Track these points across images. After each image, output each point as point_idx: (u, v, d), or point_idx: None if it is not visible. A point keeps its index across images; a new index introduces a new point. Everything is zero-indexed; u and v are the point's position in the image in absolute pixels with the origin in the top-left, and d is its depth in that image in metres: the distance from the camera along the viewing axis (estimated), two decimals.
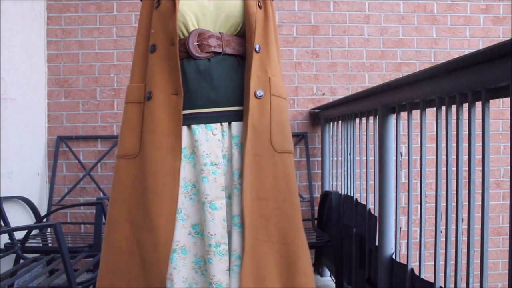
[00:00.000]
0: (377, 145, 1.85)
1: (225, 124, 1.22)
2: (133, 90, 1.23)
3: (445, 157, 1.35)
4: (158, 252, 1.11)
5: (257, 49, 1.21)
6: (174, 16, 1.17)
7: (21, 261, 2.10)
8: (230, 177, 1.20)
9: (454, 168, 1.30)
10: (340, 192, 2.48)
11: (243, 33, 1.25)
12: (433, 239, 1.44)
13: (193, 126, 1.20)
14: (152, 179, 1.13)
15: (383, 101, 1.74)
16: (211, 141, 1.18)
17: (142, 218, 1.14)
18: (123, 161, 1.21)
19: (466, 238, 1.21)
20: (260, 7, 1.24)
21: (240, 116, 1.21)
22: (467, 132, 1.23)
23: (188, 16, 1.21)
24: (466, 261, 1.21)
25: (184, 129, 1.19)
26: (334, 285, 2.46)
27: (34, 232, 2.58)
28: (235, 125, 1.21)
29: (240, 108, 1.22)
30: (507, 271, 1.04)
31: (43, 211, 2.79)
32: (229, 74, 1.22)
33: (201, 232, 1.19)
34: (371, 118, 2.00)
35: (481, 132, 1.15)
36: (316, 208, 2.85)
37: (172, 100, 1.16)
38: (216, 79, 1.20)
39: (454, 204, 1.30)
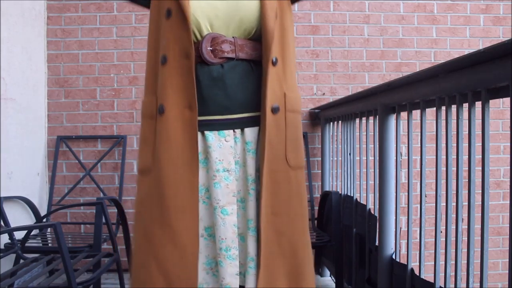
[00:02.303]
0: (377, 145, 1.85)
1: (238, 131, 1.22)
2: (146, 104, 1.24)
3: (445, 157, 1.35)
4: (186, 267, 1.14)
5: (274, 63, 1.19)
6: (188, 27, 1.14)
7: (21, 261, 2.10)
8: (244, 182, 1.22)
9: (454, 168, 1.30)
10: (340, 192, 2.48)
11: (257, 37, 1.22)
12: (433, 239, 1.44)
13: (206, 132, 1.20)
14: (172, 195, 1.15)
15: (383, 101, 1.74)
16: (224, 147, 1.19)
17: (163, 235, 1.15)
18: (140, 177, 1.23)
19: (466, 238, 1.21)
20: (276, 17, 1.21)
21: (253, 122, 1.22)
22: (467, 132, 1.23)
23: (202, 19, 1.18)
24: (466, 261, 1.21)
25: (198, 134, 1.19)
26: (334, 285, 2.46)
27: (34, 232, 2.58)
28: (248, 131, 1.22)
29: (253, 114, 1.22)
30: (507, 271, 1.04)
31: (43, 211, 2.79)
32: (242, 80, 1.21)
33: (213, 234, 1.21)
34: (371, 118, 2.00)
35: (481, 132, 1.15)
36: (316, 208, 2.85)
37: (185, 115, 1.16)
38: (229, 86, 1.19)
39: (454, 204, 1.30)
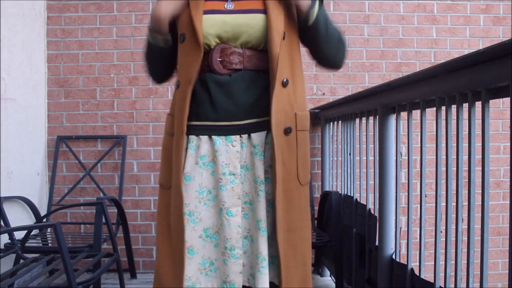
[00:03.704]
0: (377, 145, 1.84)
1: (245, 136, 1.26)
2: (168, 121, 1.33)
3: (445, 157, 1.35)
4: (178, 285, 1.22)
5: (285, 84, 1.24)
6: (198, 53, 1.20)
7: (21, 261, 2.10)
8: (252, 184, 1.26)
9: (454, 168, 1.30)
10: (340, 192, 2.48)
11: (264, 48, 1.26)
12: (433, 239, 1.43)
13: (214, 137, 1.25)
14: (173, 215, 1.25)
15: (383, 101, 1.74)
16: (231, 152, 1.24)
17: (164, 249, 1.27)
18: (160, 189, 1.33)
19: (466, 238, 1.21)
20: (284, 38, 1.24)
21: (259, 127, 1.26)
22: (467, 132, 1.22)
23: (211, 36, 1.23)
24: (466, 261, 1.21)
25: (205, 138, 1.26)
26: (334, 285, 2.46)
27: (34, 232, 2.58)
28: (255, 135, 1.26)
29: (259, 119, 1.26)
30: (507, 271, 1.04)
31: (43, 211, 2.79)
32: (249, 88, 1.25)
33: (212, 235, 1.27)
34: (371, 118, 2.00)
35: (481, 132, 1.15)
36: (316, 208, 2.85)
37: (180, 139, 1.24)
38: (236, 94, 1.24)
39: (454, 204, 1.30)
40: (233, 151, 1.24)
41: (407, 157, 1.62)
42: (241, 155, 1.25)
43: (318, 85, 3.02)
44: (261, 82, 1.26)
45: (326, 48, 1.33)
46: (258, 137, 1.26)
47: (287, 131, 1.24)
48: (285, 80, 1.24)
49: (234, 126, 1.25)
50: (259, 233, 1.22)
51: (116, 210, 2.66)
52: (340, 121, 2.55)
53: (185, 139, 1.24)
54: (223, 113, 1.24)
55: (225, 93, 1.24)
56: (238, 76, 1.24)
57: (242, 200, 1.25)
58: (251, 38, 1.24)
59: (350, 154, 2.36)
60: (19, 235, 2.19)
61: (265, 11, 1.23)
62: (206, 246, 1.26)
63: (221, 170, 1.23)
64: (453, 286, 1.29)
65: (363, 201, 2.11)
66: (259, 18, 1.23)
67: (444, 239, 1.35)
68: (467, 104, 1.21)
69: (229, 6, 1.25)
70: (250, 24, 1.23)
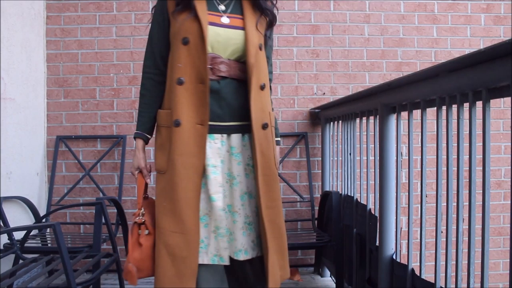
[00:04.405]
0: (378, 145, 1.84)
1: (225, 136, 1.49)
2: (164, 115, 1.49)
3: (445, 157, 1.35)
4: (191, 249, 1.42)
5: (262, 88, 1.50)
6: (205, 58, 1.40)
7: (20, 261, 2.10)
8: (225, 176, 1.50)
9: (455, 168, 1.30)
10: (340, 192, 2.48)
11: (244, 60, 1.48)
12: (434, 239, 1.43)
13: None
14: (183, 192, 1.41)
15: (383, 101, 1.73)
16: (213, 148, 1.46)
17: (173, 224, 1.43)
18: (158, 175, 1.50)
19: (467, 238, 1.20)
20: (260, 49, 1.50)
21: (238, 129, 1.50)
22: (467, 132, 1.22)
23: (208, 44, 1.43)
24: (467, 261, 1.20)
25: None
26: (334, 285, 2.46)
27: (34, 232, 2.58)
28: (234, 137, 1.49)
29: (239, 123, 1.49)
30: (508, 271, 1.03)
31: (42, 211, 2.78)
32: (233, 95, 1.47)
33: (202, 217, 1.48)
34: (371, 118, 1.99)
35: (481, 132, 1.15)
36: (316, 208, 2.84)
37: (197, 129, 1.42)
38: (223, 99, 1.46)
39: (455, 204, 1.29)
40: (214, 147, 1.46)
41: (407, 157, 1.62)
42: (220, 151, 1.48)
43: (318, 85, 3.02)
44: (242, 91, 1.48)
45: None
46: (235, 139, 1.49)
47: (265, 126, 1.49)
48: (262, 84, 1.49)
49: (218, 127, 1.47)
50: (245, 202, 1.49)
51: (115, 210, 2.66)
52: (340, 121, 2.54)
53: (207, 131, 1.43)
54: (210, 114, 1.44)
55: (213, 97, 1.44)
56: (225, 83, 1.46)
57: (222, 188, 1.48)
58: (236, 51, 1.47)
59: (350, 154, 2.36)
60: (18, 235, 2.19)
61: (243, 28, 1.47)
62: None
63: (206, 162, 1.44)
64: (453, 286, 1.29)
65: (364, 201, 2.10)
66: (241, 33, 1.46)
67: (444, 239, 1.35)
68: (467, 103, 1.21)
69: (225, 20, 1.47)
70: (236, 38, 1.46)
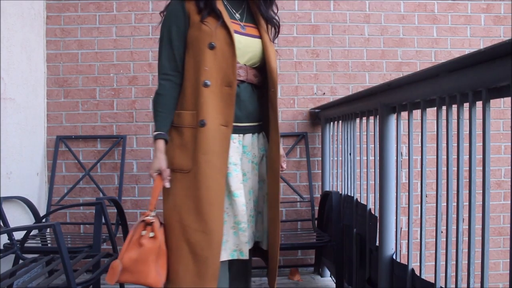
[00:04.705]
0: (378, 145, 1.84)
1: (241, 135, 1.56)
2: (188, 116, 1.51)
3: (445, 157, 1.35)
4: (213, 249, 1.44)
5: (274, 93, 1.58)
6: (234, 64, 1.47)
7: (20, 261, 2.10)
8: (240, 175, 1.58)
9: (455, 168, 1.30)
10: (340, 192, 2.48)
11: (257, 68, 1.60)
12: (434, 239, 1.43)
13: None
14: (206, 191, 1.45)
15: (383, 101, 1.73)
16: (233, 147, 1.52)
17: (195, 222, 1.45)
18: (179, 175, 1.50)
19: (467, 238, 1.20)
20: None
21: (251, 130, 1.59)
22: (467, 132, 1.22)
23: None
24: (467, 262, 1.20)
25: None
26: (334, 285, 2.46)
27: (34, 232, 2.58)
28: (247, 137, 1.58)
29: (252, 124, 1.59)
30: (508, 271, 1.03)
31: (42, 211, 2.78)
32: (249, 98, 1.56)
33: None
34: (371, 118, 1.99)
35: (481, 132, 1.15)
36: (316, 208, 2.84)
37: (222, 130, 1.48)
38: (242, 101, 1.54)
39: (455, 204, 1.29)
40: (233, 147, 1.52)
41: (407, 157, 1.62)
42: (238, 150, 1.55)
43: (318, 85, 3.02)
44: (255, 94, 1.59)
45: None
46: (247, 138, 1.58)
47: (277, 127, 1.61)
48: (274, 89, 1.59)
49: (237, 127, 1.53)
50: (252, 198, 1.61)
51: (115, 210, 2.66)
52: (340, 121, 2.54)
53: (231, 132, 1.50)
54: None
55: (235, 99, 1.50)
56: (244, 87, 1.55)
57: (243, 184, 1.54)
58: (252, 58, 1.56)
59: (350, 154, 2.36)
60: (18, 235, 2.19)
61: (260, 37, 1.58)
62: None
63: (228, 160, 1.50)
64: (453, 286, 1.29)
65: (364, 201, 2.10)
66: (258, 42, 1.57)
67: (444, 239, 1.34)
68: (467, 104, 1.21)
69: (243, 29, 1.56)
70: (253, 46, 1.56)
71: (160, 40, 1.55)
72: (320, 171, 2.94)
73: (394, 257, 1.70)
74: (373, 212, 1.92)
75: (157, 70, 1.59)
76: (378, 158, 1.84)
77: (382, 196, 1.74)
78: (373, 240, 1.88)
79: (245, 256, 1.53)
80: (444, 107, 1.36)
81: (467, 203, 1.21)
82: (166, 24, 1.54)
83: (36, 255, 2.11)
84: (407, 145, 1.61)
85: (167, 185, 1.50)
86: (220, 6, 1.51)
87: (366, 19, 3.04)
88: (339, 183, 2.57)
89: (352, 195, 2.27)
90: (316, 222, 2.83)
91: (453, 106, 1.30)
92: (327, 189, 2.83)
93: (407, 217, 1.61)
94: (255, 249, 1.70)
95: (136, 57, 2.94)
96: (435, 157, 1.43)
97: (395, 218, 1.71)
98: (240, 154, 1.55)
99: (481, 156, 1.15)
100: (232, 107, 1.48)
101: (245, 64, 1.55)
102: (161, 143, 1.51)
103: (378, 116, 1.81)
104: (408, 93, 1.53)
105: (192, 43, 1.51)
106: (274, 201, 1.61)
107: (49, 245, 2.47)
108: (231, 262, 1.61)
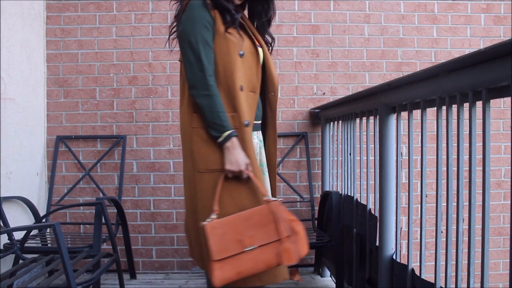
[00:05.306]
0: (378, 145, 1.84)
1: (259, 132, 1.73)
2: (229, 118, 1.55)
3: (445, 157, 1.35)
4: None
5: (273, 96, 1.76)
6: (259, 71, 1.64)
7: (20, 261, 2.10)
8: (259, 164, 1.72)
9: (455, 168, 1.30)
10: (340, 192, 2.48)
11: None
12: (434, 239, 1.43)
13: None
14: (262, 188, 1.57)
15: (383, 101, 1.73)
16: (254, 141, 1.67)
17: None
18: (217, 173, 1.55)
19: (467, 238, 1.20)
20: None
21: (260, 127, 1.75)
22: (467, 132, 1.22)
23: None
24: (467, 262, 1.20)
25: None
26: (334, 285, 2.46)
27: (34, 232, 2.58)
28: (259, 132, 1.74)
29: (260, 122, 1.75)
30: (508, 271, 1.03)
31: (42, 211, 2.78)
32: (259, 98, 1.71)
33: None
34: (371, 118, 1.99)
35: (481, 132, 1.15)
36: (316, 208, 2.84)
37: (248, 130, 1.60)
38: (258, 102, 1.69)
39: (455, 204, 1.29)
40: (255, 141, 1.68)
41: (407, 157, 1.62)
42: (257, 145, 1.70)
43: (318, 85, 3.02)
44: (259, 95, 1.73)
45: None
46: (260, 134, 1.74)
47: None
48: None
49: (256, 124, 1.69)
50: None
51: (115, 210, 2.66)
52: (340, 121, 2.54)
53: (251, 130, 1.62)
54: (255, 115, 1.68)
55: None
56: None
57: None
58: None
59: (350, 154, 2.35)
60: (18, 235, 2.19)
61: (261, 46, 1.71)
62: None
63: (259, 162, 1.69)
64: (453, 286, 1.29)
65: (364, 201, 2.10)
66: (261, 50, 1.69)
67: (444, 239, 1.34)
68: (467, 104, 1.21)
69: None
70: (259, 54, 1.67)
71: (189, 43, 1.52)
72: (320, 171, 2.94)
73: (394, 257, 1.70)
74: (373, 212, 1.92)
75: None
76: (378, 158, 1.84)
77: (382, 196, 1.74)
78: (373, 240, 1.88)
79: None
80: (444, 107, 1.36)
81: (467, 203, 1.21)
82: (197, 28, 1.52)
83: (36, 255, 2.11)
84: (407, 145, 1.61)
85: (251, 175, 1.55)
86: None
87: (366, 19, 3.04)
88: (339, 183, 2.57)
89: (352, 195, 2.27)
90: (316, 222, 2.83)
91: (453, 106, 1.30)
92: (327, 189, 2.83)
93: (407, 217, 1.61)
94: None
95: (136, 57, 2.94)
96: (435, 157, 1.43)
97: (395, 218, 1.71)
98: (258, 149, 1.70)
99: (481, 156, 1.15)
100: (255, 110, 1.63)
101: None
102: (236, 139, 1.54)
103: (378, 116, 1.81)
104: (408, 93, 1.53)
105: (221, 49, 1.56)
106: (273, 194, 1.73)
107: (49, 245, 2.47)
108: None
